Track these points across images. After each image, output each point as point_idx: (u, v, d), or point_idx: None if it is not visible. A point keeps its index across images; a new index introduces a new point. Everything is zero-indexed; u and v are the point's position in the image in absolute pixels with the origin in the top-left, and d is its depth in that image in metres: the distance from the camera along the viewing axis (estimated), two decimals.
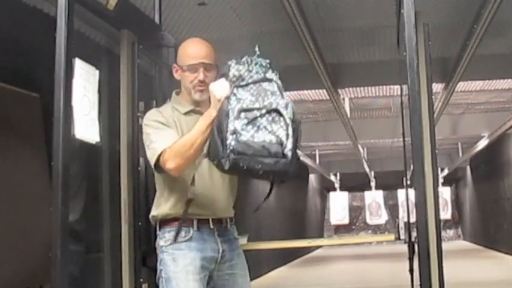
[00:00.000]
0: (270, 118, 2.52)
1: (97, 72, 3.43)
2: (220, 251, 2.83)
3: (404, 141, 4.67)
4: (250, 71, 2.60)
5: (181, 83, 2.91)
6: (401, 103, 4.91)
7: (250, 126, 2.49)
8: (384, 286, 10.75)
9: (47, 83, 2.73)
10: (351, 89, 8.68)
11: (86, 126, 3.33)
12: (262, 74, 2.61)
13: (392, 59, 5.31)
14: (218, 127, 2.54)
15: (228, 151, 2.48)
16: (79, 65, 3.20)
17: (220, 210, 2.85)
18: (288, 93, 2.67)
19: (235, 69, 2.60)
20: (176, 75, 2.92)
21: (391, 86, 8.39)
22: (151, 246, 2.92)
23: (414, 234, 3.41)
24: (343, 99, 9.06)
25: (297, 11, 4.44)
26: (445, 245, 3.30)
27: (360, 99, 9.74)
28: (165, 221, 2.82)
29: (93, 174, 3.94)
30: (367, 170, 17.41)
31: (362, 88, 8.85)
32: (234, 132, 2.48)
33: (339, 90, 7.72)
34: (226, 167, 2.51)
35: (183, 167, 2.68)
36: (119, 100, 3.44)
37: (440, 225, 3.29)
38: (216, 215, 2.85)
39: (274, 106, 2.53)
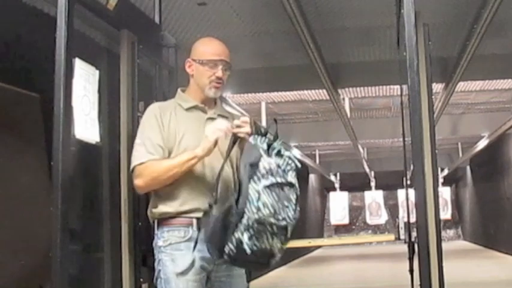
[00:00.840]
0: (275, 230, 2.54)
1: (97, 72, 3.43)
2: None
3: (404, 141, 4.66)
4: (279, 167, 2.59)
5: (194, 78, 2.90)
6: (401, 103, 4.91)
7: (254, 238, 2.53)
8: (383, 286, 10.75)
9: (47, 83, 2.73)
10: (351, 89, 8.68)
11: (86, 126, 3.33)
12: (287, 174, 2.59)
13: (392, 59, 5.32)
14: (230, 224, 2.53)
15: (226, 250, 2.54)
16: (79, 65, 3.21)
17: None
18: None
19: (266, 162, 2.58)
20: (189, 70, 2.92)
21: (391, 86, 8.39)
22: (151, 246, 2.91)
23: (414, 234, 3.41)
24: (343, 99, 9.06)
25: (297, 11, 4.44)
26: (445, 245, 3.30)
27: (360, 99, 9.74)
28: (163, 220, 2.80)
29: (93, 174, 3.94)
30: (367, 170, 17.41)
31: (362, 88, 8.85)
32: (241, 242, 2.52)
33: (339, 90, 7.72)
34: (214, 256, 2.62)
35: (150, 188, 2.78)
36: (119, 100, 3.44)
37: (440, 225, 3.29)
38: None
39: (284, 224, 2.55)
